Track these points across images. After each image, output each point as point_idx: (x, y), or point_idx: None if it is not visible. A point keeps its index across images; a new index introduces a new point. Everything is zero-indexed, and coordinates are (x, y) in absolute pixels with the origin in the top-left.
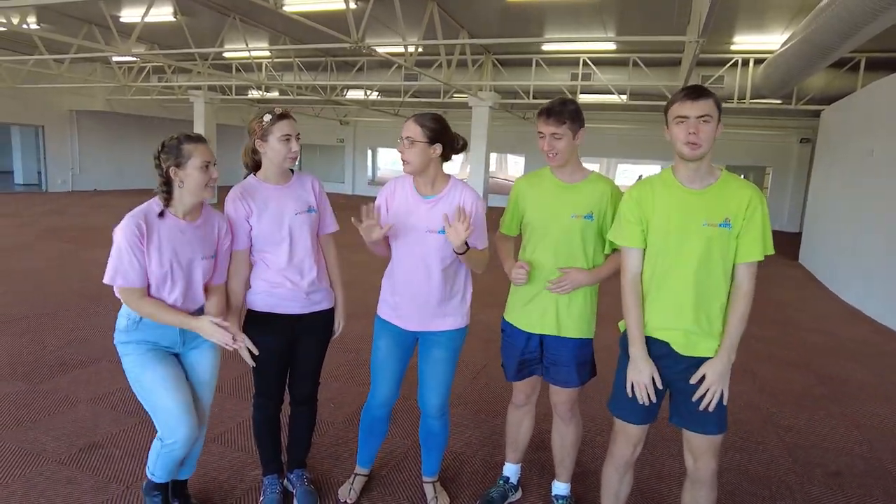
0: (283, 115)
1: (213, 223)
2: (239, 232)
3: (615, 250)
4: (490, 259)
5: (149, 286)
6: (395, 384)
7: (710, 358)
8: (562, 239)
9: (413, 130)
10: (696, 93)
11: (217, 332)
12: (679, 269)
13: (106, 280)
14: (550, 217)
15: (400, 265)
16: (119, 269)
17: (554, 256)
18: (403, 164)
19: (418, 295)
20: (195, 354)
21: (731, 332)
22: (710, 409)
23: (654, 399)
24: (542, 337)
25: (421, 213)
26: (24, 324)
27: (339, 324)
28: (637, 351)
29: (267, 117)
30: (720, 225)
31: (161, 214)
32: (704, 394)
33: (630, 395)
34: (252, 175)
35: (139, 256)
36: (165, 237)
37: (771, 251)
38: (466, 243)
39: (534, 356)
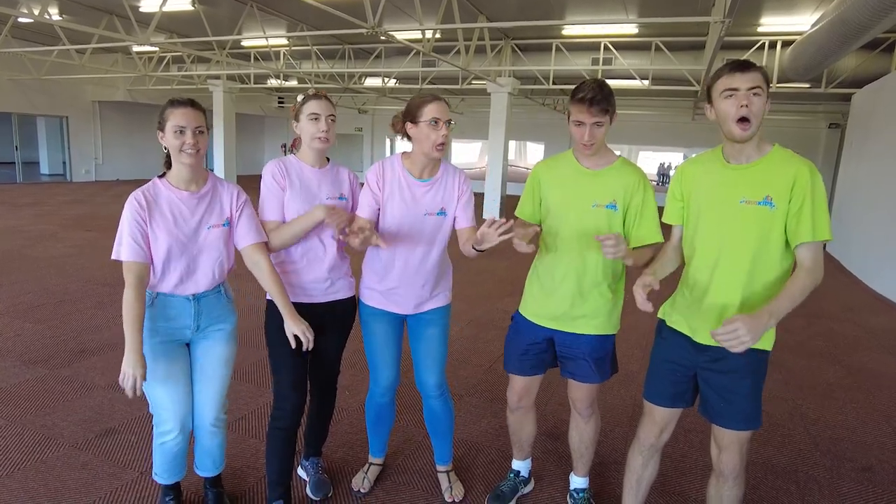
0: (314, 96)
1: (223, 190)
2: (273, 202)
3: (637, 248)
4: (509, 246)
5: (153, 267)
6: (397, 367)
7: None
8: (583, 229)
9: (447, 111)
10: (744, 65)
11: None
12: (714, 248)
13: (113, 255)
14: (570, 205)
15: (396, 251)
16: (120, 242)
17: (577, 247)
18: (440, 148)
19: (416, 279)
20: (206, 344)
21: (779, 297)
22: (720, 340)
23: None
24: (553, 332)
25: (418, 196)
26: (45, 310)
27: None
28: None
29: (300, 97)
30: (760, 203)
31: (161, 176)
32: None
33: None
34: (293, 154)
35: (140, 230)
36: (167, 209)
37: (823, 236)
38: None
39: (540, 350)
